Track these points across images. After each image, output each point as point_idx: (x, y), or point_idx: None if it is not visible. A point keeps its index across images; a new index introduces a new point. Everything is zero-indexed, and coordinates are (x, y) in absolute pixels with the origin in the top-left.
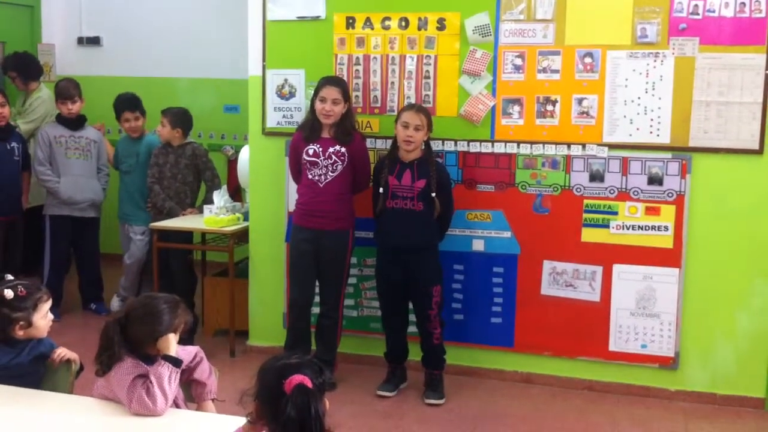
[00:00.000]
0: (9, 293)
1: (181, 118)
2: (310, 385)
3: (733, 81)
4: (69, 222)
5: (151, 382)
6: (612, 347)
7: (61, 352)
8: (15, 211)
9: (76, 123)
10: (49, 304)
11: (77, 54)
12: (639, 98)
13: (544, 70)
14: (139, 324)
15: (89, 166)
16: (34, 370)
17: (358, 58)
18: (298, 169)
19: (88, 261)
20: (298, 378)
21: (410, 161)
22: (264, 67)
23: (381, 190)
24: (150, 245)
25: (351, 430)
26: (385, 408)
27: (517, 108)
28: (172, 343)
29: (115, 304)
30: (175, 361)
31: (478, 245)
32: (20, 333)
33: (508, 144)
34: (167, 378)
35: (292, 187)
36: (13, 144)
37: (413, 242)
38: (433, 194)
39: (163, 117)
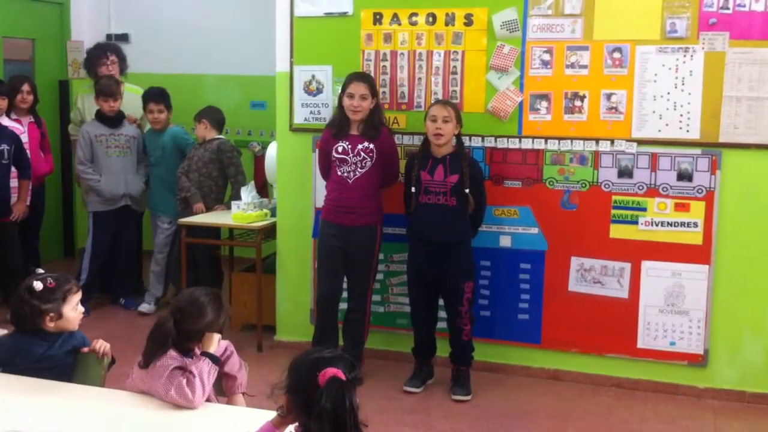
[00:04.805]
0: (38, 285)
1: (206, 112)
2: (344, 378)
3: (764, 76)
4: (111, 216)
5: (192, 374)
6: (640, 344)
7: (103, 344)
8: (3, 214)
9: (115, 121)
10: (78, 296)
11: None
12: (668, 93)
13: (572, 66)
14: (192, 320)
15: (130, 162)
16: (65, 363)
17: (385, 54)
18: (327, 166)
19: (126, 253)
20: (332, 371)
21: (442, 156)
22: (291, 64)
23: (413, 189)
24: (174, 237)
25: (378, 426)
26: (411, 403)
27: (544, 103)
28: (215, 341)
29: (148, 304)
30: (215, 359)
31: (505, 241)
32: (51, 325)
33: (535, 140)
34: (207, 373)
35: (320, 183)
36: (3, 146)
37: (445, 237)
38: (466, 190)
39: (197, 122)
